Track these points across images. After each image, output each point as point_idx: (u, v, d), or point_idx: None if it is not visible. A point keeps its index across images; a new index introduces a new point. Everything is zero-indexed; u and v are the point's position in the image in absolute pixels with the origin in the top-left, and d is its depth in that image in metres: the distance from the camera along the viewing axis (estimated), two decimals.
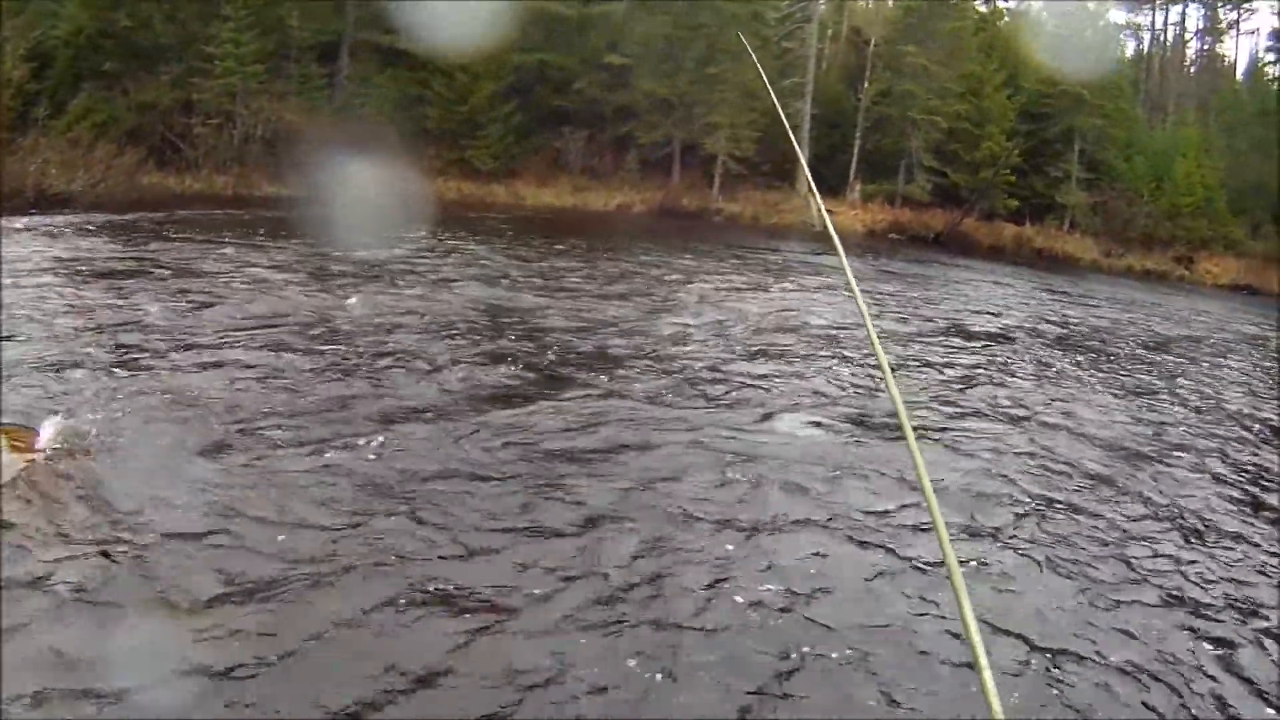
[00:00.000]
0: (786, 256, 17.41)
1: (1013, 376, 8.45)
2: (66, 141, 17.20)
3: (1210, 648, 3.65)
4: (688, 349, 7.89)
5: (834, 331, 9.50)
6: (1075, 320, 13.35)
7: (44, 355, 5.77)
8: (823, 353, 8.38)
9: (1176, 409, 7.99)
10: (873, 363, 8.00)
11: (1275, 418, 8.32)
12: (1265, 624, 3.93)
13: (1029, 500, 5.02)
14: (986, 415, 6.80)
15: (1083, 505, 5.06)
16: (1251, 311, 19.89)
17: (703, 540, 4.04)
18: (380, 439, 4.84)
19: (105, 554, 3.39)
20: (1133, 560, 4.40)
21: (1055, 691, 3.19)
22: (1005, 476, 5.36)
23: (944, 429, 6.30)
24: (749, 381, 6.90)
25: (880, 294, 13.31)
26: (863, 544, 4.18)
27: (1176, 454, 6.41)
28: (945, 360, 8.84)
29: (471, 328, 7.88)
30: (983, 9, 33.07)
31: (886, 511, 4.58)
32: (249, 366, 5.98)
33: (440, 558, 3.65)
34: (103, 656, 2.84)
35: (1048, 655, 3.40)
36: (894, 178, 27.76)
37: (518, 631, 3.19)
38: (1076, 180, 28.15)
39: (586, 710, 2.83)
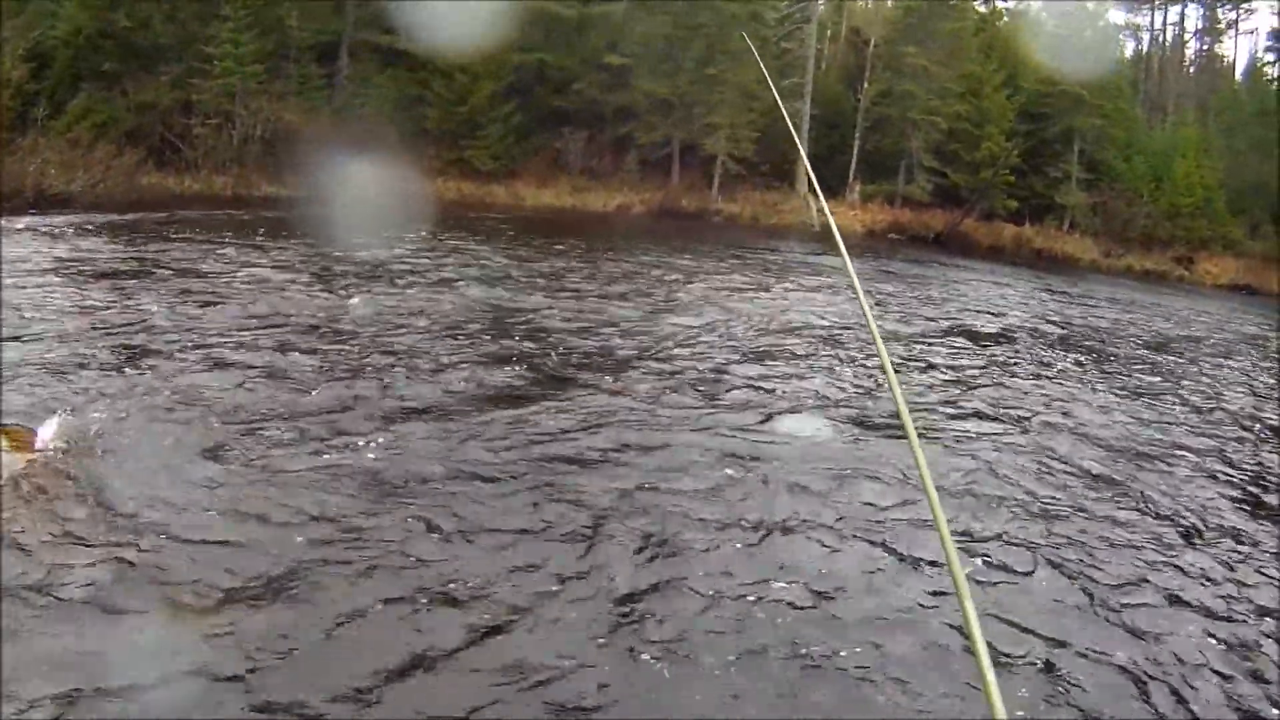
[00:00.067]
0: (786, 257, 17.41)
1: (1014, 377, 8.45)
2: (66, 142, 17.22)
3: (1212, 648, 3.64)
4: (689, 349, 7.88)
5: (835, 331, 9.50)
6: (1075, 320, 13.35)
7: (44, 355, 5.76)
8: (824, 353, 8.38)
9: (1177, 409, 7.99)
10: (874, 363, 8.00)
11: (1276, 418, 8.32)
12: (1267, 624, 3.93)
13: (1031, 500, 5.02)
14: (988, 415, 6.80)
15: (1085, 505, 5.06)
16: (1251, 311, 19.90)
17: (707, 539, 4.04)
18: (382, 439, 4.84)
19: (105, 553, 3.38)
20: (1135, 560, 4.40)
21: (1058, 691, 3.19)
22: (1007, 476, 5.36)
23: (946, 429, 6.30)
24: (751, 381, 6.90)
25: (880, 294, 13.31)
26: (865, 544, 4.18)
27: (1178, 454, 6.41)
28: (946, 360, 8.84)
29: (473, 328, 7.88)
30: (982, 9, 33.14)
31: (890, 512, 4.58)
32: (249, 366, 5.98)
33: (444, 557, 3.65)
34: (103, 656, 2.83)
35: (1050, 655, 3.40)
36: (894, 178, 27.77)
37: (523, 630, 3.19)
38: (1076, 180, 28.16)
39: (592, 709, 2.83)
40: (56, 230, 11.57)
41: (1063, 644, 3.49)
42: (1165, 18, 45.22)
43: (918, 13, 27.40)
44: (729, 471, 4.90)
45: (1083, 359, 9.99)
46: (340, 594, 3.30)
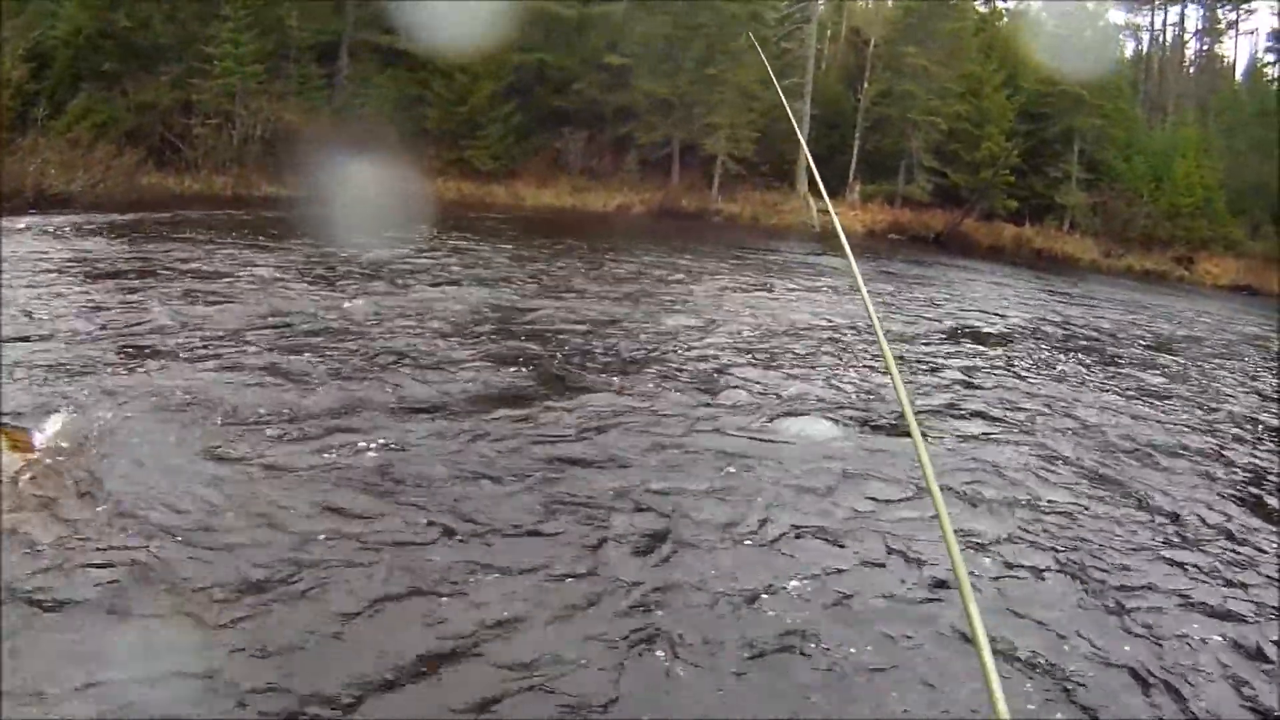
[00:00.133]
0: (787, 257, 17.41)
1: (1016, 377, 8.45)
2: (66, 142, 17.22)
3: (1215, 648, 3.64)
4: (691, 349, 7.88)
5: (837, 332, 9.50)
6: (1077, 321, 13.35)
7: (44, 354, 5.76)
8: (827, 353, 8.38)
9: (1179, 410, 7.99)
10: (876, 363, 8.01)
11: (1278, 419, 8.31)
12: (1269, 625, 3.93)
13: (1034, 500, 5.02)
14: (991, 416, 6.80)
15: (1088, 506, 5.05)
16: (1252, 312, 19.89)
17: (712, 539, 4.03)
18: (385, 438, 4.83)
19: (105, 553, 3.38)
20: (1138, 560, 4.39)
21: (1061, 691, 3.19)
22: (1011, 477, 5.36)
23: (949, 430, 6.30)
24: (754, 381, 6.90)
25: (881, 294, 13.31)
26: (869, 544, 4.18)
27: (1181, 455, 6.41)
28: (948, 360, 8.84)
29: (474, 328, 7.87)
30: (982, 9, 33.12)
31: (893, 511, 4.57)
32: (249, 366, 5.97)
33: (448, 555, 3.64)
34: (103, 655, 2.83)
35: (1053, 655, 3.39)
36: (894, 178, 27.78)
37: (529, 629, 3.18)
38: (1076, 180, 28.16)
39: (598, 707, 2.83)
40: (56, 230, 11.57)
41: (1066, 643, 3.49)
42: (1165, 18, 45.28)
43: (918, 13, 27.41)
44: (733, 471, 4.90)
45: (1084, 360, 9.99)
46: (343, 593, 3.29)
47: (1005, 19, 34.64)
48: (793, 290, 12.50)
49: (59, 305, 7.28)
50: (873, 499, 4.73)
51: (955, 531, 1.11)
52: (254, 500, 3.96)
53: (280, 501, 3.97)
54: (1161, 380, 9.38)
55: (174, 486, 4.00)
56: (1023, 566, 4.16)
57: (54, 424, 4.43)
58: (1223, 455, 6.59)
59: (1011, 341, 10.65)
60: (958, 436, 6.15)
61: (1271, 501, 5.77)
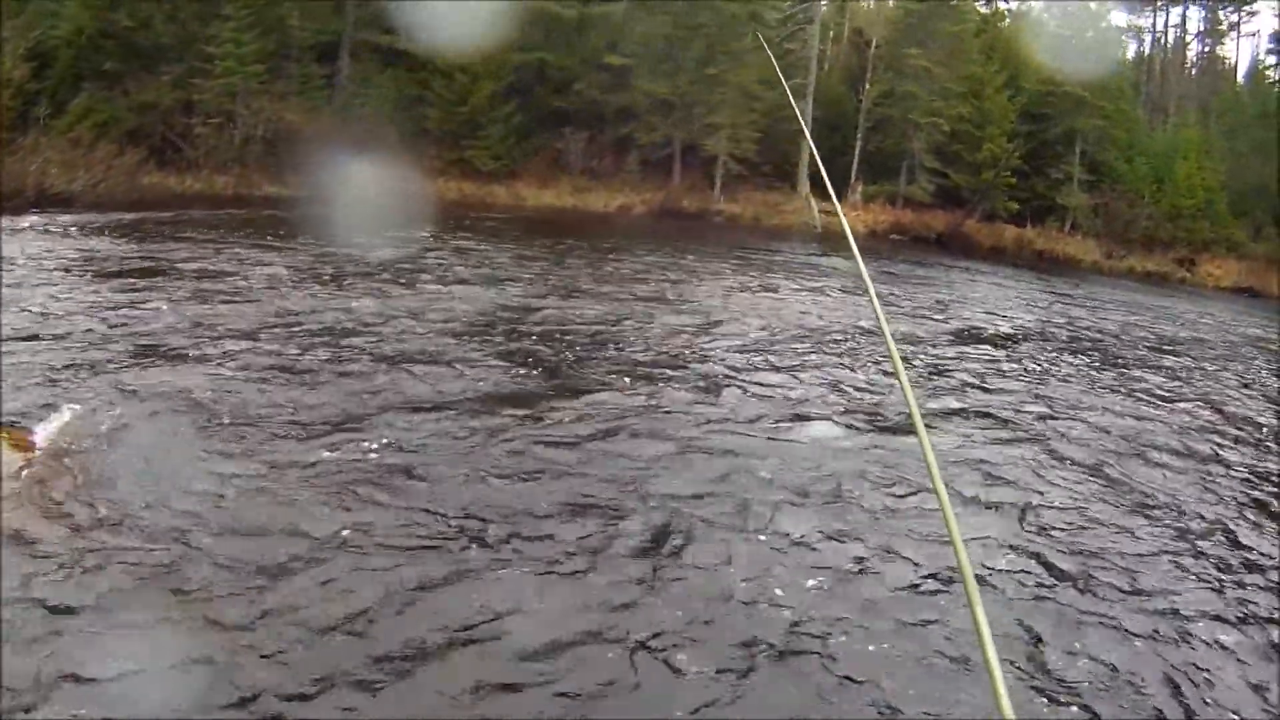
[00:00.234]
0: (789, 258, 17.40)
1: (1020, 379, 8.45)
2: (67, 141, 17.20)
3: (1218, 649, 3.63)
4: (694, 349, 7.88)
5: (841, 332, 9.49)
6: (1079, 322, 13.34)
7: (46, 354, 5.75)
8: (831, 354, 8.37)
9: (1182, 411, 7.98)
10: (882, 363, 8.00)
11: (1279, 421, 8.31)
12: (1272, 627, 3.92)
13: (1040, 502, 5.01)
14: (995, 417, 6.79)
15: (1093, 507, 5.05)
16: (1254, 314, 19.87)
17: (715, 538, 4.03)
18: (388, 438, 4.83)
19: (106, 553, 3.38)
20: (1143, 562, 4.39)
21: (1065, 692, 3.18)
22: (1017, 478, 5.36)
23: (955, 430, 6.30)
24: (759, 381, 6.90)
25: (884, 295, 13.29)
26: (875, 544, 4.17)
27: (1184, 456, 6.41)
28: (952, 362, 8.83)
29: (479, 328, 7.87)
30: (984, 10, 33.10)
31: (900, 512, 4.57)
32: (251, 365, 5.97)
33: (451, 552, 3.64)
34: (103, 655, 2.82)
35: (1059, 656, 3.39)
36: (895, 179, 27.75)
37: (530, 625, 3.18)
38: (1077, 182, 28.12)
39: (598, 703, 2.83)
40: (57, 230, 11.57)
41: (1072, 645, 3.48)
42: (1167, 19, 45.20)
43: (919, 14, 27.39)
44: (739, 471, 4.89)
45: (1088, 361, 9.98)
46: (349, 592, 3.29)
47: (1007, 20, 34.63)
48: (796, 291, 12.49)
49: (60, 305, 7.27)
50: (879, 499, 4.72)
51: (961, 532, 1.10)
52: (253, 499, 3.96)
53: (284, 501, 3.96)
54: (1164, 382, 9.37)
55: (176, 485, 4.00)
56: (1030, 567, 4.15)
57: (56, 423, 4.43)
58: (1226, 457, 6.58)
59: (1015, 342, 10.64)
60: (965, 437, 6.14)
61: (1275, 504, 5.76)
